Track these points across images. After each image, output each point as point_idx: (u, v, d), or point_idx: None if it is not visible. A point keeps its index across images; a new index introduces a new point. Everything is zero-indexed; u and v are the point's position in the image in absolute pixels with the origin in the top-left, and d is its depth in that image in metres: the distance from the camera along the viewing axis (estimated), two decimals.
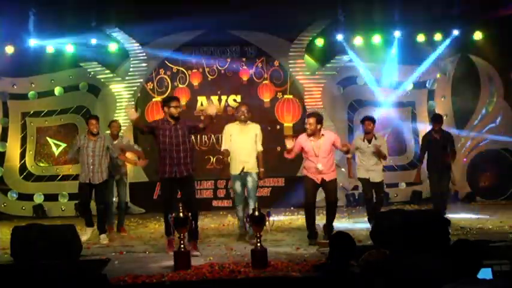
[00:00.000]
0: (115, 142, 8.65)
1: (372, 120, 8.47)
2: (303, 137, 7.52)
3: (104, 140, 8.27)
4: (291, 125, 12.02)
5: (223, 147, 7.84)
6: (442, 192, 9.05)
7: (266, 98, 12.08)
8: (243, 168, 7.65)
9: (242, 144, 7.68)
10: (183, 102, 11.78)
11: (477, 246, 3.38)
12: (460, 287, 3.27)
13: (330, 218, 7.56)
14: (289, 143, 7.38)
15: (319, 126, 7.38)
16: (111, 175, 8.52)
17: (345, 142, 7.92)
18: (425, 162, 9.15)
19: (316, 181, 7.43)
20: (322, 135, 7.41)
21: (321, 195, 7.64)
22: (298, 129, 11.62)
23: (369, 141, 8.38)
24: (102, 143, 8.21)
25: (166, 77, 12.04)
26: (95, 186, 8.16)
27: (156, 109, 11.45)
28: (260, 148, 7.80)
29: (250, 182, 7.65)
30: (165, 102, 7.03)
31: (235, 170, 7.72)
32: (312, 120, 7.35)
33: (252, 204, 7.34)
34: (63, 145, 11.85)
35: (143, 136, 8.78)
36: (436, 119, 9.31)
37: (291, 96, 12.10)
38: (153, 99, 11.93)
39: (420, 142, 9.62)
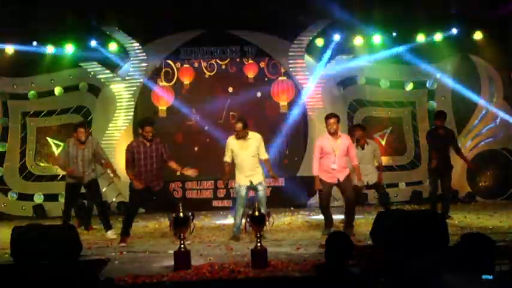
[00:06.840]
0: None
1: (362, 127, 9.11)
2: (322, 138, 7.93)
3: (92, 144, 8.49)
4: (286, 103, 12.09)
5: (224, 159, 8.02)
6: (444, 192, 9.12)
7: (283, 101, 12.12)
8: (251, 182, 7.80)
9: (245, 159, 7.87)
10: (187, 81, 11.94)
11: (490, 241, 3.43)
12: (459, 277, 3.28)
13: (350, 219, 7.86)
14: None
15: (339, 126, 7.93)
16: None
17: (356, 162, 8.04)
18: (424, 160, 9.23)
19: (331, 182, 7.79)
20: (339, 136, 7.86)
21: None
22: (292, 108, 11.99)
23: (362, 147, 8.80)
24: (90, 148, 8.44)
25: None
26: (87, 185, 8.55)
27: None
28: (265, 156, 8.01)
29: (261, 191, 7.88)
30: (140, 125, 7.88)
31: (243, 181, 7.88)
32: (332, 120, 7.78)
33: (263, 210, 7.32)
34: (63, 145, 11.83)
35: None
36: (439, 114, 9.48)
37: (285, 78, 12.11)
38: (160, 83, 12.03)
39: (421, 141, 9.66)
